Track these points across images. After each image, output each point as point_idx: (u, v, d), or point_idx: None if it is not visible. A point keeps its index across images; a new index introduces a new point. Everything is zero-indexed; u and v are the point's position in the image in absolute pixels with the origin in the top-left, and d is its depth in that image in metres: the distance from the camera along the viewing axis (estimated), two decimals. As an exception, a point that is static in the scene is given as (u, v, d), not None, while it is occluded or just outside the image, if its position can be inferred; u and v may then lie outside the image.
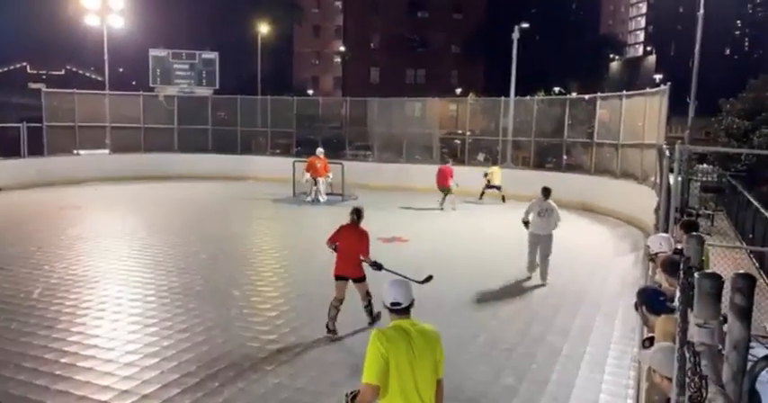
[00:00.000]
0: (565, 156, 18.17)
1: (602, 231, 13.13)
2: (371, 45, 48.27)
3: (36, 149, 19.13)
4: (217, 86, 24.52)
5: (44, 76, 77.71)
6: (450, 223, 13.73)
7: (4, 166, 17.78)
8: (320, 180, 16.05)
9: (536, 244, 8.72)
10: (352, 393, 2.99)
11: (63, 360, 5.64)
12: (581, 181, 16.09)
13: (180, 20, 50.65)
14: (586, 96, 18.68)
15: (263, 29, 39.91)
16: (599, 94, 18.01)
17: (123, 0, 22.74)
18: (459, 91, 37.28)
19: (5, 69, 74.90)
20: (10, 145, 18.81)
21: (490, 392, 5.28)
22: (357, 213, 6.53)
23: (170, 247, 10.58)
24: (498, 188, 16.41)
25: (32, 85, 59.78)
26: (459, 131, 21.94)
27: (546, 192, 8.88)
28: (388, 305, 3.14)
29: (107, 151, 21.05)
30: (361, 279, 6.47)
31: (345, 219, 6.68)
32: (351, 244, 6.37)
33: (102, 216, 14.23)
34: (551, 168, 18.63)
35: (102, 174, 19.19)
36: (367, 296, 6.48)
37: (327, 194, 16.23)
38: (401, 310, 3.12)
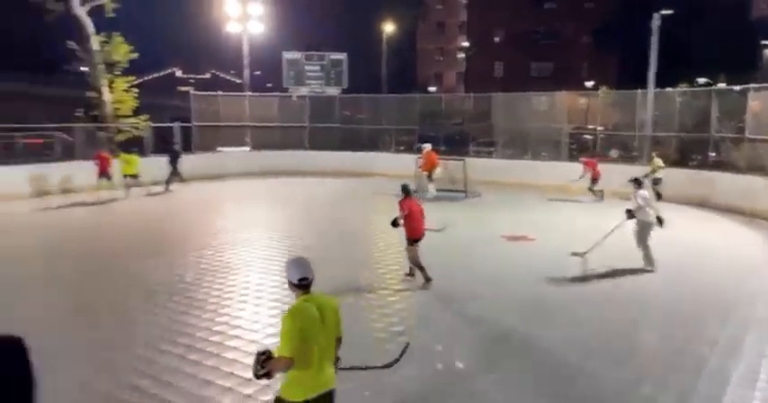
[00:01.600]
0: (712, 153, 16.66)
1: (755, 236, 11.88)
2: (496, 39, 47.31)
3: (185, 146, 21.10)
4: (345, 86, 25.45)
5: (192, 80, 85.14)
6: (580, 221, 13.15)
7: (159, 162, 19.79)
8: (423, 174, 16.18)
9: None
10: (263, 354, 3.27)
11: (212, 338, 6.20)
12: (730, 180, 14.67)
13: (310, 23, 53.03)
14: (737, 87, 16.96)
15: (388, 27, 40.71)
16: (751, 84, 16.27)
17: (262, 6, 24.33)
18: (589, 84, 35.46)
19: (160, 74, 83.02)
20: (167, 143, 20.95)
21: None
22: (407, 187, 8.26)
23: (303, 239, 11.21)
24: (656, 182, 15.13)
25: (182, 89, 65.81)
26: (590, 126, 20.92)
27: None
28: (296, 282, 3.38)
29: (248, 149, 22.69)
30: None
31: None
32: (419, 211, 8.05)
33: (243, 208, 15.36)
34: (695, 166, 17.14)
35: (243, 169, 20.73)
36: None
37: (448, 190, 16.21)
38: (306, 286, 3.40)
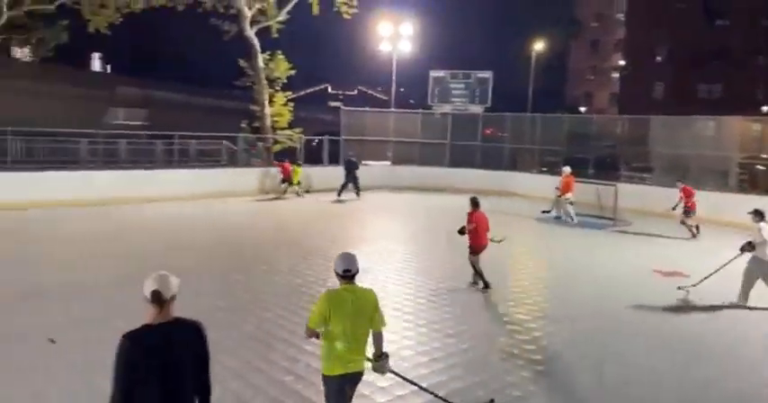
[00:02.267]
0: None
1: None
2: (656, 58, 44.21)
3: (333, 158, 22.22)
4: (489, 104, 25.22)
5: (341, 96, 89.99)
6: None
7: (313, 172, 21.01)
8: (560, 199, 15.62)
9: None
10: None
11: (349, 344, 6.39)
12: None
13: (457, 40, 53.56)
14: None
15: (538, 46, 39.82)
16: None
17: (412, 26, 25.07)
18: (766, 109, 31.78)
19: (313, 90, 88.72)
20: (314, 154, 22.27)
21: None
22: (476, 200, 8.75)
23: (438, 255, 11.23)
24: None
25: (332, 104, 69.72)
26: (765, 156, 18.67)
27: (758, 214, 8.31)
28: (341, 273, 3.93)
29: (389, 163, 23.35)
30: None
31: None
32: (485, 223, 8.61)
33: (382, 220, 15.79)
34: None
35: (384, 183, 21.32)
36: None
37: (596, 217, 15.36)
38: (350, 277, 3.92)
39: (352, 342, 3.84)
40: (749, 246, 8.21)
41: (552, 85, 50.90)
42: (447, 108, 25.31)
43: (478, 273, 8.70)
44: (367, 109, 24.53)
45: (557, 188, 15.99)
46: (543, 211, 16.44)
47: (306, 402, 5.08)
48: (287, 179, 18.31)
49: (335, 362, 3.86)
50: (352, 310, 3.84)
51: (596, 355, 6.39)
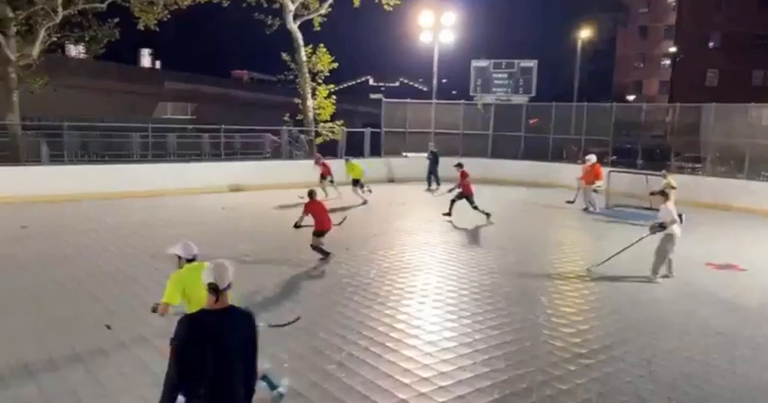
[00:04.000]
0: None
1: None
2: (710, 44, 42.48)
3: (375, 150, 22.28)
4: (533, 94, 24.75)
5: (382, 88, 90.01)
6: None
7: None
8: (588, 188, 15.63)
9: None
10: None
11: (392, 334, 6.45)
12: None
13: (500, 29, 52.71)
14: None
15: (584, 33, 38.76)
16: None
17: (454, 16, 24.77)
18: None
19: (354, 83, 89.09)
20: (355, 146, 22.38)
21: None
22: (311, 192, 9.65)
23: (479, 248, 11.17)
24: None
25: (373, 96, 69.80)
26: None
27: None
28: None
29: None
30: None
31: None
32: (322, 210, 9.46)
33: (422, 212, 15.75)
34: None
35: (420, 175, 21.21)
36: None
37: (644, 208, 14.93)
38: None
39: None
40: (660, 227, 8.73)
41: (599, 73, 49.57)
42: (489, 98, 24.98)
43: (320, 251, 9.40)
44: (408, 100, 24.41)
45: (579, 178, 16.04)
46: (568, 201, 16.23)
47: (347, 389, 5.15)
48: (325, 176, 16.60)
49: None
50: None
51: (646, 350, 6.24)
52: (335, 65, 23.11)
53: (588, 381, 5.45)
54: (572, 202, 16.16)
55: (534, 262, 10.21)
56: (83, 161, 16.93)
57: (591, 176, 15.66)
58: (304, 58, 22.29)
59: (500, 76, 26.53)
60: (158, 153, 19.41)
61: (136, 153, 19.24)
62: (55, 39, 18.12)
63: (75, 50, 31.31)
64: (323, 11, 22.26)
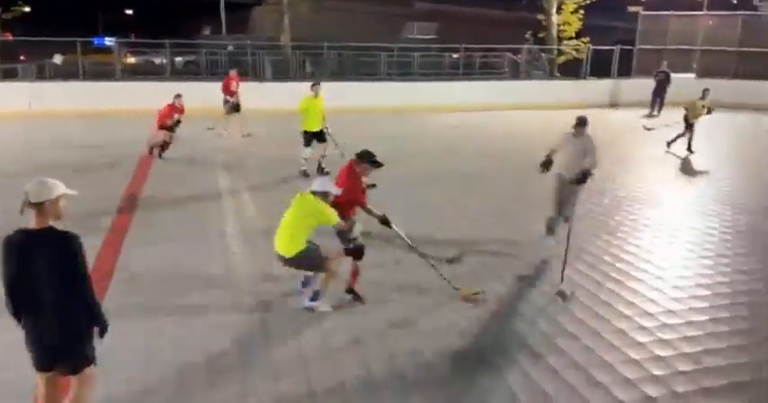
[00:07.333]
0: None
1: None
2: None
3: (625, 71, 20.25)
4: None
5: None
6: None
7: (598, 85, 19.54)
8: None
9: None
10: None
11: (618, 265, 6.16)
12: None
13: None
14: None
15: None
16: None
17: None
18: None
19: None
20: (602, 66, 20.53)
21: None
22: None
23: (734, 183, 9.75)
24: None
25: (631, 8, 62.08)
26: None
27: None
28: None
29: (693, 75, 20.28)
30: None
31: None
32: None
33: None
34: None
35: (683, 98, 18.72)
36: None
37: None
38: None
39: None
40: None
41: None
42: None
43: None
44: (672, 12, 21.26)
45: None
46: None
47: (561, 310, 5.15)
48: None
49: None
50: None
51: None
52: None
53: None
54: None
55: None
56: (340, 78, 18.55)
57: None
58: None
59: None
60: (403, 72, 20.40)
61: (383, 71, 20.41)
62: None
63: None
64: None
